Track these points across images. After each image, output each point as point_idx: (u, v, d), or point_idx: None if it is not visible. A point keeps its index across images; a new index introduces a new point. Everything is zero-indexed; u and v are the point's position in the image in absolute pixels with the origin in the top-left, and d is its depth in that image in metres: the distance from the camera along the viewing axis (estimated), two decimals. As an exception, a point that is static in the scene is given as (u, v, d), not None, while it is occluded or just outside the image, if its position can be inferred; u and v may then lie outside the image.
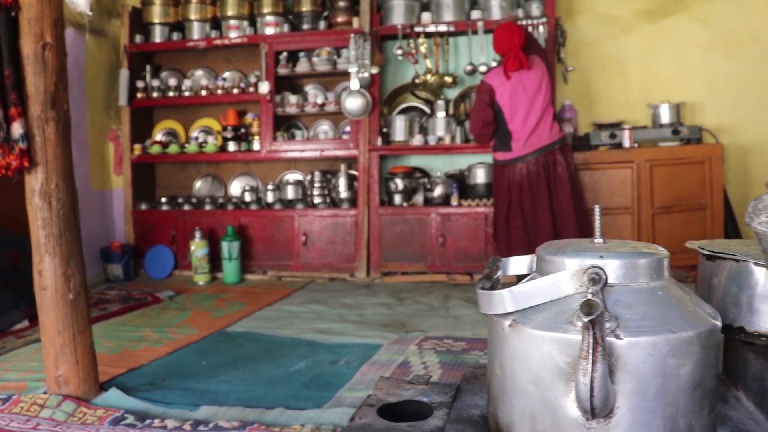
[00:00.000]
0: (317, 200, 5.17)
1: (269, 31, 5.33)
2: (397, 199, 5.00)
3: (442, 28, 5.06)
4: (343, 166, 5.16)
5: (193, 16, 5.49)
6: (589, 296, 0.88)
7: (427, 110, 5.25)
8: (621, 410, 0.90)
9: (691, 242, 1.24)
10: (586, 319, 0.86)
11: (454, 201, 4.87)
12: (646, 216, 4.62)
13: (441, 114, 5.03)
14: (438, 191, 4.94)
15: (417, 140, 4.98)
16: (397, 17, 5.13)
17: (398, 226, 4.94)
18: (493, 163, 4.14)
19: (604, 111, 5.13)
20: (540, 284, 0.96)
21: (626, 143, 4.71)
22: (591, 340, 0.86)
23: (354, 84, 4.88)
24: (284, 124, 5.45)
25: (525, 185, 3.87)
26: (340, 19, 5.24)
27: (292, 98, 5.31)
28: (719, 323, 0.98)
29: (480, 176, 4.87)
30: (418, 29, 5.06)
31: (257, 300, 4.33)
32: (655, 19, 5.28)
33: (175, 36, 5.54)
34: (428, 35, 5.12)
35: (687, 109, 4.99)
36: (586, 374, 0.87)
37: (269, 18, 5.35)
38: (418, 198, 4.98)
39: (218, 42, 5.42)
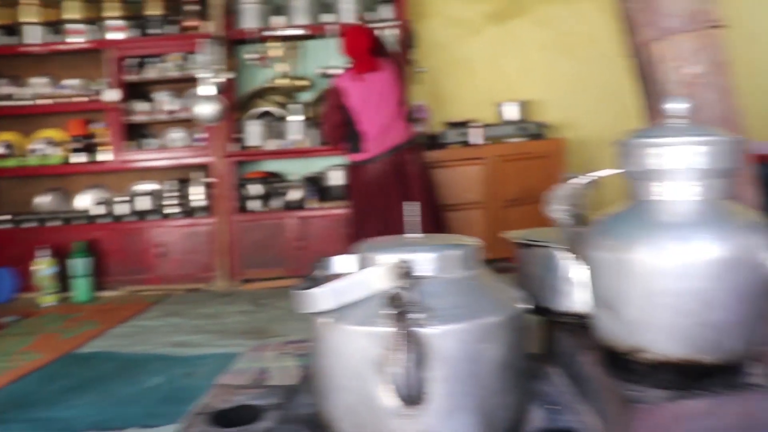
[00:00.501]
0: (172, 210, 5.01)
1: (115, 35, 5.10)
2: (255, 204, 4.94)
3: (295, 31, 5.05)
4: (197, 174, 5.03)
5: (28, 19, 5.15)
6: (396, 290, 0.91)
7: (282, 114, 5.22)
8: (436, 396, 0.93)
9: (505, 233, 1.30)
10: (392, 312, 0.89)
11: (312, 204, 4.88)
12: (497, 209, 4.83)
13: (296, 118, 5.02)
14: (295, 195, 4.93)
15: (272, 144, 4.95)
16: (249, 21, 5.06)
17: (256, 232, 4.89)
18: (348, 164, 4.18)
19: (455, 110, 5.30)
20: (353, 281, 0.98)
21: (476, 140, 4.91)
22: (400, 332, 0.89)
23: (205, 90, 4.76)
24: (134, 133, 5.23)
25: (379, 185, 3.93)
26: (189, 23, 5.11)
27: (142, 106, 5.11)
28: (526, 307, 1.04)
29: (337, 178, 4.90)
30: (270, 33, 5.03)
31: (111, 317, 4.13)
32: (500, 22, 5.53)
33: (9, 40, 5.17)
34: (281, 39, 5.09)
35: (532, 107, 5.26)
36: (397, 365, 0.89)
37: (115, 22, 5.11)
38: (276, 203, 4.94)
39: (59, 47, 5.13)
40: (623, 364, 0.96)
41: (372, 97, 3.92)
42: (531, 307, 1.09)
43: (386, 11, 5.04)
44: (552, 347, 1.29)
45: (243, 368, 3.04)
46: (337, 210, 4.80)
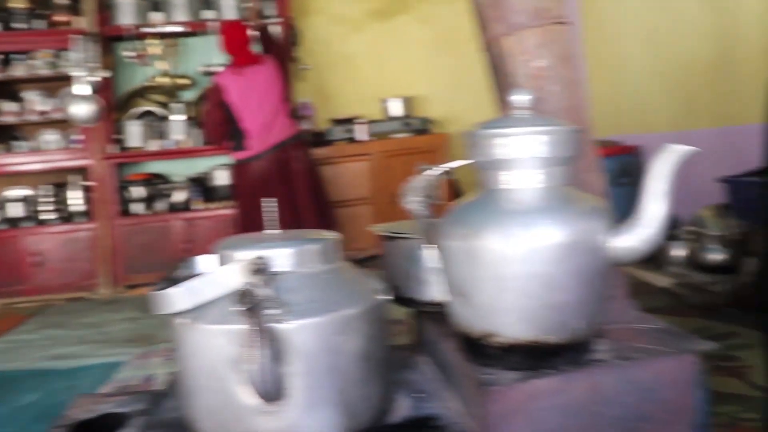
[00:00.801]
0: (48, 216, 4.76)
1: (-27, 29, 4.79)
2: (138, 207, 4.78)
3: (174, 28, 4.91)
4: (75, 178, 4.81)
5: None
6: (247, 286, 0.90)
7: (164, 114, 5.07)
8: (296, 390, 0.93)
9: (373, 226, 1.32)
10: (244, 309, 0.88)
11: (198, 205, 4.78)
12: (384, 204, 4.88)
13: (178, 117, 4.89)
14: (180, 196, 4.81)
15: (154, 145, 4.80)
16: (125, 17, 4.88)
17: (141, 236, 4.73)
18: (233, 163, 4.12)
19: (340, 107, 5.32)
20: (207, 279, 0.97)
21: (362, 137, 4.95)
22: (254, 328, 0.88)
23: (80, 89, 4.55)
24: (2, 135, 4.92)
25: (264, 183, 3.89)
26: (60, 18, 4.85)
27: (10, 106, 4.83)
28: (386, 298, 1.05)
29: (222, 178, 4.81)
30: (148, 30, 4.87)
31: (-19, 333, 3.89)
32: (383, 19, 5.59)
33: None
34: (160, 36, 4.95)
35: (416, 103, 5.35)
36: (253, 362, 0.88)
37: (-27, 14, 4.80)
38: (160, 205, 4.80)
39: None
40: (478, 349, 0.99)
41: (253, 93, 3.87)
42: (391, 298, 1.11)
43: (269, 8, 4.98)
44: (419, 337, 1.32)
45: (128, 377, 2.95)
46: (224, 210, 4.72)
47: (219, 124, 3.93)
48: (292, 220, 3.85)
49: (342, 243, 1.09)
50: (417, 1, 5.60)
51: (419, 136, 5.06)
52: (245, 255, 0.98)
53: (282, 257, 0.99)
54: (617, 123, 4.78)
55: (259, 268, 0.93)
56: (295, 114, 4.37)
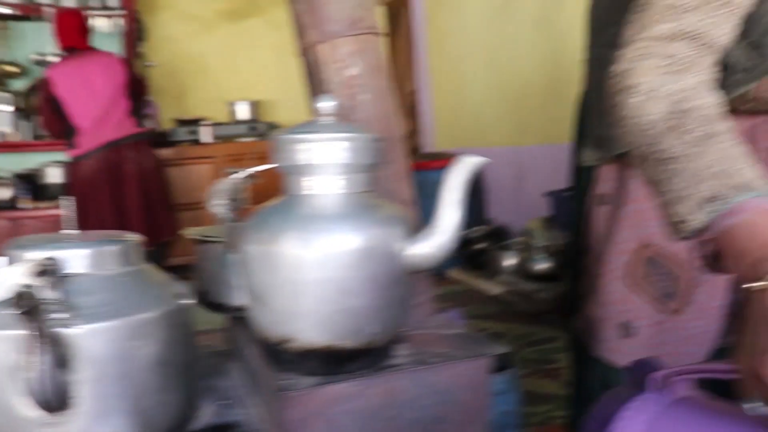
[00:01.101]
0: None
1: None
2: (-47, 205, 4.41)
3: (2, 9, 4.58)
4: None
5: None
6: (24, 288, 0.85)
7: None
8: (83, 399, 0.89)
9: (187, 230, 1.30)
10: (21, 312, 0.83)
11: (26, 204, 4.47)
12: (228, 208, 4.81)
13: (5, 108, 4.56)
14: (5, 194, 4.48)
15: (-24, 137, 4.45)
16: (-56, -6, 4.50)
17: (-45, 236, 4.35)
18: (66, 160, 3.91)
19: (187, 107, 5.19)
20: (-13, 281, 0.90)
21: (206, 139, 4.84)
22: (32, 333, 0.83)
23: None
24: None
25: (94, 183, 3.70)
26: None
27: None
28: (188, 302, 1.04)
29: (55, 175, 4.54)
30: (-30, 10, 4.51)
31: None
32: (234, 20, 5.51)
33: None
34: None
35: (264, 107, 5.31)
36: (33, 369, 0.84)
37: None
38: (-19, 203, 4.46)
39: None
40: (277, 355, 0.99)
41: (85, 87, 3.68)
42: (194, 302, 1.09)
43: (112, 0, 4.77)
44: (231, 343, 1.31)
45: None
46: (56, 210, 4.44)
47: (50, 120, 3.72)
48: (117, 223, 3.67)
49: (140, 245, 1.06)
50: (269, 4, 5.56)
51: (265, 140, 5.02)
52: (35, 255, 0.93)
53: (76, 258, 0.95)
54: (459, 136, 4.99)
55: (46, 270, 0.89)
56: (136, 112, 4.20)
